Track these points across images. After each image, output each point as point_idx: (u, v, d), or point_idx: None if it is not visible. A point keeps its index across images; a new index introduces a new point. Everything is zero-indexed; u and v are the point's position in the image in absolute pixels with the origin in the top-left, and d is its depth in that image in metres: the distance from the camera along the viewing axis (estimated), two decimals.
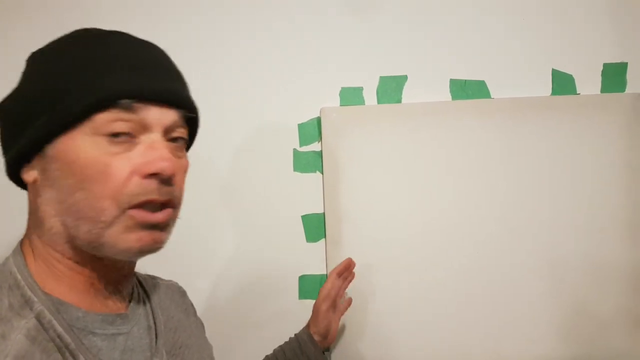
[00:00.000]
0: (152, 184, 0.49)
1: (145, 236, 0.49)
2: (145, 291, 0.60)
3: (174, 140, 0.52)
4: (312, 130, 1.07)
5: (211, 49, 1.07)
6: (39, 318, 0.46)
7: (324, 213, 1.06)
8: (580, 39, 1.06)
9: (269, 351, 1.06)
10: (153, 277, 0.66)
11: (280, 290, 1.06)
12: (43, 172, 0.49)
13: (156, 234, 0.50)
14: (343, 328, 1.04)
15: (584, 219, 1.04)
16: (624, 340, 1.04)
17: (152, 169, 0.48)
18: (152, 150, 0.49)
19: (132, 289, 0.57)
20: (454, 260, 1.04)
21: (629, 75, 1.06)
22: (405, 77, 1.07)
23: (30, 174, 0.50)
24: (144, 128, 0.49)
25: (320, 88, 1.07)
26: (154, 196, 0.49)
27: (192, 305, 0.71)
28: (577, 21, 1.06)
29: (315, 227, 1.07)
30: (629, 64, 1.06)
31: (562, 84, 1.06)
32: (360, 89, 1.07)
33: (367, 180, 1.05)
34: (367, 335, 1.05)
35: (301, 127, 1.07)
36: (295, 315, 1.07)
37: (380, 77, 1.07)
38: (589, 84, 1.05)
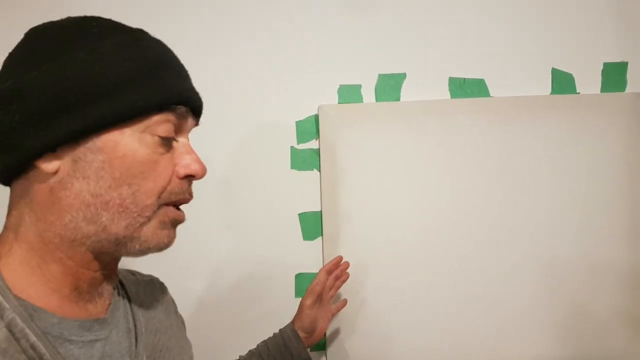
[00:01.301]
0: (186, 184, 0.53)
1: (172, 233, 0.52)
2: (126, 291, 0.58)
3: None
4: (309, 127, 1.06)
5: (210, 48, 1.06)
6: (10, 327, 0.43)
7: (321, 211, 1.06)
8: (580, 38, 1.05)
9: None
10: (133, 273, 0.64)
11: (276, 288, 1.05)
12: (75, 163, 0.47)
13: (175, 232, 0.53)
14: (339, 326, 1.04)
15: (582, 219, 1.03)
16: (622, 340, 1.03)
17: (191, 171, 0.52)
18: (188, 154, 0.52)
19: (113, 288, 0.56)
20: (452, 259, 1.04)
21: (629, 75, 1.05)
22: (403, 75, 1.06)
23: (53, 164, 0.46)
24: (180, 131, 0.53)
25: (319, 85, 1.06)
26: (187, 196, 0.53)
27: (173, 301, 0.69)
28: (578, 20, 1.05)
29: (312, 225, 1.06)
30: (629, 63, 1.05)
31: (562, 83, 1.05)
32: (358, 87, 1.06)
33: (364, 178, 1.05)
34: (364, 333, 1.04)
35: (299, 124, 1.06)
36: (291, 314, 1.06)
37: (379, 74, 1.06)
38: (589, 83, 1.05)
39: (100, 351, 0.49)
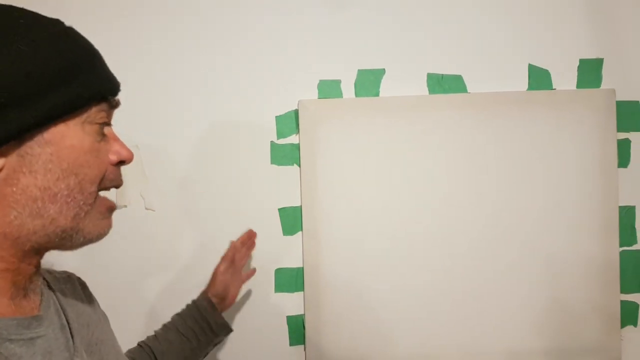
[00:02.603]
0: (118, 170, 0.54)
1: (110, 222, 0.54)
2: (50, 288, 0.57)
3: None
4: (289, 122, 1.06)
5: (190, 43, 1.06)
6: None
7: (301, 206, 1.06)
8: (556, 34, 1.06)
9: (246, 348, 1.07)
10: (50, 272, 0.62)
11: (256, 283, 1.06)
12: (21, 158, 0.46)
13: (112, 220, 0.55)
14: (318, 320, 1.04)
15: (557, 214, 1.05)
16: (597, 333, 1.05)
17: (122, 156, 0.54)
18: (115, 141, 0.54)
19: (41, 289, 0.54)
20: (431, 254, 1.05)
21: (604, 71, 1.06)
22: (382, 71, 1.07)
23: None
24: (108, 120, 0.54)
25: (298, 81, 1.06)
26: (119, 182, 0.55)
27: (93, 296, 0.68)
28: (554, 17, 1.06)
29: (291, 220, 1.07)
30: (604, 59, 1.06)
31: (539, 79, 1.06)
32: (338, 82, 1.07)
33: (344, 173, 1.05)
34: (343, 328, 1.05)
35: (279, 119, 1.06)
36: (271, 309, 1.07)
37: (358, 70, 1.07)
38: (564, 79, 1.06)
39: (42, 348, 0.48)
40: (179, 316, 0.91)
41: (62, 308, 0.55)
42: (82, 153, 0.49)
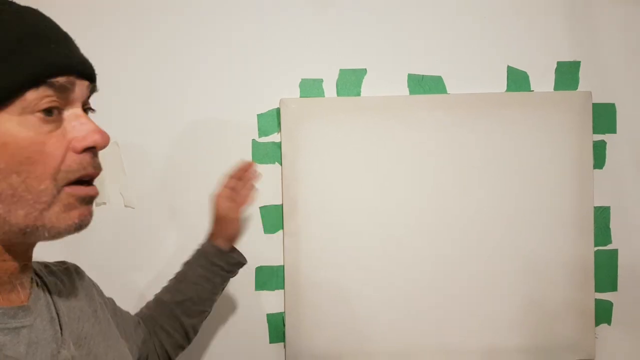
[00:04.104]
0: (87, 158, 0.49)
1: (84, 211, 0.50)
2: (44, 282, 0.57)
3: (86, 112, 0.53)
4: (271, 121, 1.07)
5: (172, 41, 1.05)
6: None
7: (282, 205, 1.06)
8: (534, 37, 1.08)
9: (226, 345, 1.06)
10: (46, 265, 0.62)
11: (236, 281, 1.04)
12: None
13: (90, 208, 0.51)
14: (299, 317, 1.05)
15: (535, 215, 1.06)
16: (571, 330, 1.07)
17: (88, 142, 0.49)
18: (82, 125, 0.49)
19: (31, 279, 0.54)
20: (411, 253, 1.06)
21: (581, 74, 1.08)
22: (364, 71, 1.07)
23: None
24: (68, 103, 0.49)
25: (280, 79, 1.06)
26: (90, 170, 0.50)
27: (93, 284, 0.68)
28: (532, 20, 1.08)
29: (273, 218, 1.07)
30: (581, 62, 1.09)
31: (517, 80, 1.08)
32: (320, 81, 1.07)
33: (326, 172, 1.06)
34: (323, 326, 1.05)
35: (260, 117, 1.06)
36: (252, 306, 1.08)
37: (340, 69, 1.07)
38: (542, 81, 1.08)
39: (27, 338, 0.49)
40: (188, 266, 0.89)
41: (53, 301, 0.55)
42: (20, 149, 0.45)
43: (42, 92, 0.46)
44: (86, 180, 0.50)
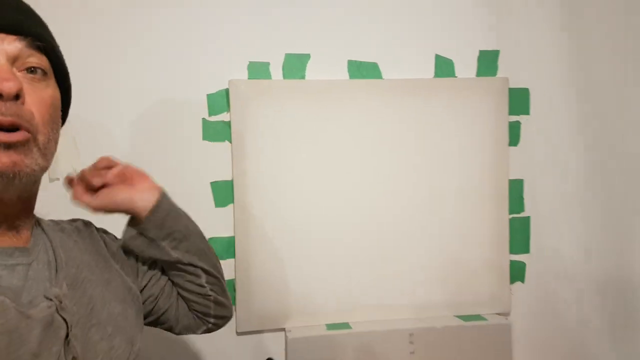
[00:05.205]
0: None
1: (2, 156, 0.52)
2: (45, 233, 0.63)
3: (31, 71, 0.56)
4: (220, 101, 1.13)
5: (125, 24, 1.09)
6: None
7: (232, 180, 1.14)
8: (459, 28, 1.20)
9: None
10: (58, 222, 0.68)
11: None
12: None
13: (13, 155, 0.53)
14: (247, 284, 1.14)
15: (458, 186, 1.20)
16: (488, 286, 1.23)
17: None
18: None
19: (32, 228, 0.61)
20: (349, 221, 1.17)
21: (500, 61, 1.22)
22: (308, 56, 1.16)
23: None
24: None
25: (229, 61, 1.13)
26: None
27: (101, 237, 0.71)
28: (458, 13, 1.20)
29: (223, 193, 1.14)
30: (500, 51, 1.22)
31: (443, 67, 1.20)
32: (267, 64, 1.15)
33: (273, 149, 1.14)
34: (270, 290, 1.15)
35: (210, 97, 1.13)
36: None
37: (286, 54, 1.15)
38: (466, 68, 1.21)
39: (23, 274, 0.55)
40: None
41: (53, 248, 0.61)
42: None
43: None
44: (7, 128, 0.52)
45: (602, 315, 1.21)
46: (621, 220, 1.27)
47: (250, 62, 1.14)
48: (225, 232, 1.15)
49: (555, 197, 1.25)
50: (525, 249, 1.26)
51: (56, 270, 0.60)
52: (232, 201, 1.14)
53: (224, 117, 1.14)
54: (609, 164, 1.26)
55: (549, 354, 1.25)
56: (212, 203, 1.14)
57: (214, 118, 1.13)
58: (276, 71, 1.15)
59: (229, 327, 1.14)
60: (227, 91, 1.13)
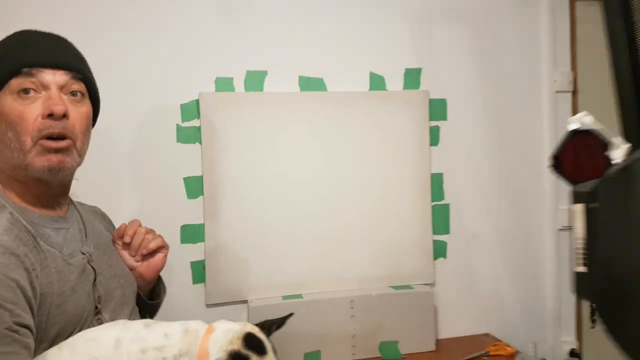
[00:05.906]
0: (50, 121, 0.73)
1: (52, 157, 0.74)
2: (77, 209, 0.85)
3: (73, 94, 0.78)
4: (192, 109, 1.34)
5: (107, 41, 1.27)
6: (12, 215, 0.70)
7: (202, 175, 1.35)
8: (389, 51, 1.46)
9: None
10: (82, 204, 0.91)
11: (165, 236, 1.31)
12: None
13: (60, 157, 0.74)
14: (216, 264, 1.35)
15: (389, 179, 1.46)
16: (416, 261, 1.49)
17: (47, 111, 0.73)
18: (49, 100, 0.74)
19: (68, 205, 0.83)
20: (302, 209, 1.40)
21: (422, 77, 1.49)
22: (266, 72, 1.39)
23: None
24: (44, 87, 0.75)
25: (199, 77, 1.34)
26: (52, 130, 0.74)
27: (112, 226, 0.96)
28: (387, 37, 1.46)
29: (195, 186, 1.35)
30: (422, 69, 1.49)
31: (376, 82, 1.46)
32: (231, 79, 1.37)
33: (236, 150, 1.36)
34: (236, 268, 1.36)
35: (183, 106, 1.33)
36: (177, 260, 1.32)
37: (247, 71, 1.37)
38: (394, 82, 1.47)
39: (64, 236, 0.77)
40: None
41: (82, 220, 0.83)
42: (11, 115, 0.71)
43: (18, 80, 0.73)
44: (57, 137, 0.73)
45: (509, 280, 1.51)
46: (525, 205, 1.57)
47: (217, 77, 1.36)
48: (196, 220, 1.35)
49: (470, 187, 1.54)
50: (446, 231, 1.52)
51: (85, 236, 0.81)
52: (202, 193, 1.35)
53: (194, 123, 1.35)
54: (513, 159, 1.57)
55: (466, 315, 1.53)
56: (185, 195, 1.35)
57: (186, 124, 1.34)
58: (239, 85, 1.37)
59: (200, 300, 1.35)
60: (197, 102, 1.34)
